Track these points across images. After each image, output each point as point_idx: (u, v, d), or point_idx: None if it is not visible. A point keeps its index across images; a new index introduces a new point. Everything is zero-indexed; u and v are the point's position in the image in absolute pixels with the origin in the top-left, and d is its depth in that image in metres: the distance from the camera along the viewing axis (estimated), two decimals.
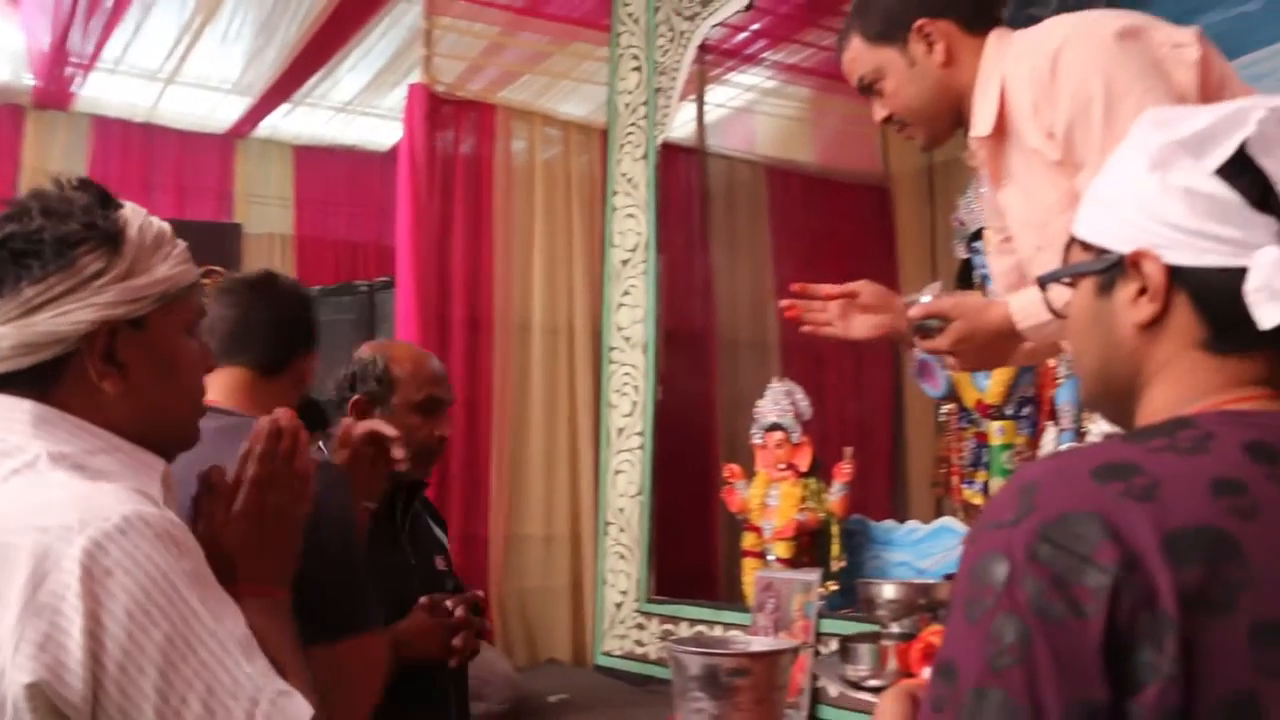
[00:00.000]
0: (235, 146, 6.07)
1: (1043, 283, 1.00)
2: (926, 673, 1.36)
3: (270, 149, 6.18)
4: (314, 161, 6.27)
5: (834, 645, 2.78)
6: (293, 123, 5.98)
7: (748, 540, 3.46)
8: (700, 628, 3.35)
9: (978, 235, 3.30)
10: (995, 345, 1.66)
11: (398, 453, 1.80)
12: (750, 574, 3.33)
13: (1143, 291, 0.88)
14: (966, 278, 3.52)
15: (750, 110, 5.30)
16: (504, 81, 4.53)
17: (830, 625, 2.85)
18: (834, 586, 3.16)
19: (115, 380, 1.05)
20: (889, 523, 3.39)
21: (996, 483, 2.91)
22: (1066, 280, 0.96)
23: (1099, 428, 2.35)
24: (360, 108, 5.81)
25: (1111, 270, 0.90)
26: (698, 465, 4.20)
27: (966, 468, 3.17)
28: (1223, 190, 0.83)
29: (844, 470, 3.32)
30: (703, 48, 3.95)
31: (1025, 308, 1.58)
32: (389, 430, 1.83)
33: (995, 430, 2.93)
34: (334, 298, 4.44)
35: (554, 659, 4.02)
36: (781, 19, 4.75)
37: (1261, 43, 4.00)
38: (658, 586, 3.66)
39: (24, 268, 1.02)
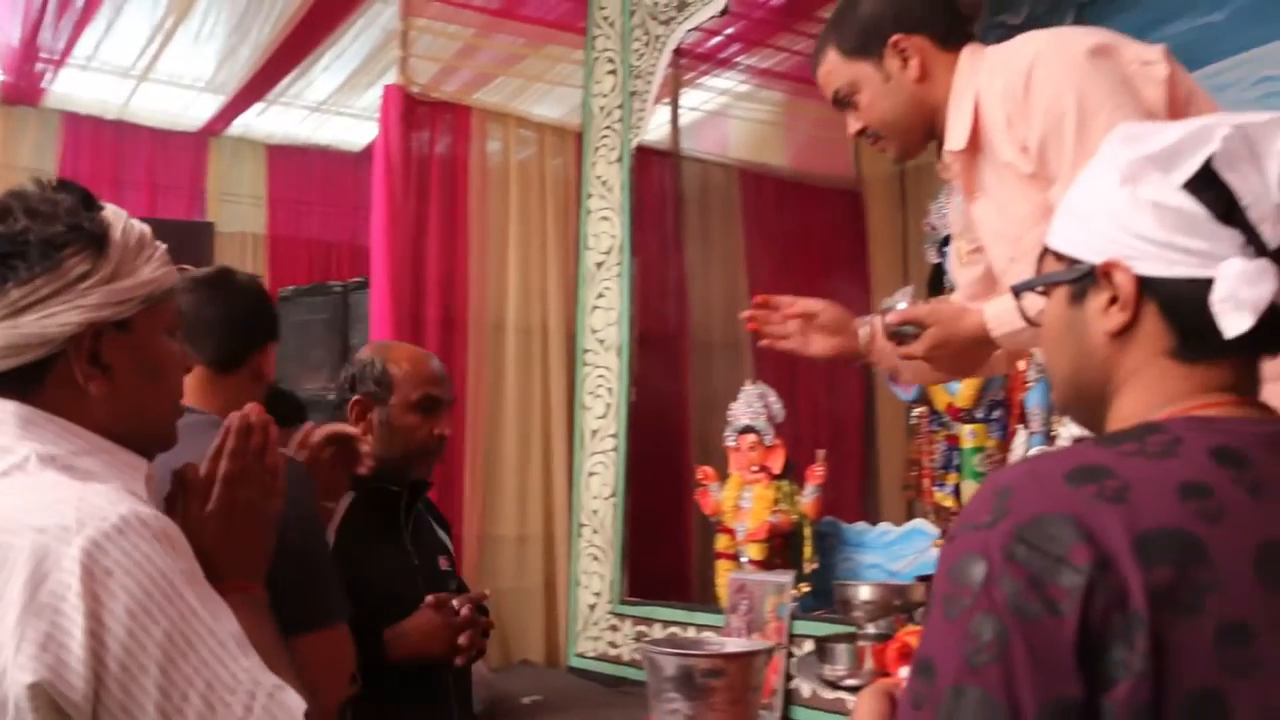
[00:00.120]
0: (208, 145, 6.03)
1: (1017, 291, 1.03)
2: (903, 672, 1.39)
3: (243, 148, 6.13)
4: (287, 161, 6.24)
5: (807, 646, 2.81)
6: (266, 122, 5.94)
7: (721, 542, 3.48)
8: (673, 629, 3.37)
9: (949, 240, 3.34)
10: (969, 352, 1.69)
11: (363, 448, 1.81)
12: (723, 576, 3.36)
13: (1113, 301, 0.91)
14: (938, 282, 3.56)
15: (724, 114, 5.32)
16: (478, 83, 4.53)
17: (803, 627, 2.87)
18: (806, 588, 3.19)
19: (100, 382, 1.06)
20: (861, 525, 3.42)
21: (968, 485, 2.95)
22: (1040, 289, 0.99)
23: (1068, 431, 2.39)
24: (334, 108, 5.79)
25: (1083, 280, 0.93)
26: (671, 467, 4.22)
27: (937, 470, 3.21)
28: (1190, 204, 0.86)
29: (816, 473, 3.35)
30: (677, 51, 3.97)
31: (999, 315, 1.62)
32: (351, 430, 1.84)
33: (967, 433, 2.97)
34: (308, 298, 4.43)
35: (527, 660, 4.03)
36: (755, 23, 4.77)
37: (1226, 53, 4.06)
38: (631, 588, 3.67)
39: (10, 269, 1.02)
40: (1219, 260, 0.85)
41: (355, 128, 6.03)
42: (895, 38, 1.71)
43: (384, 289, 3.87)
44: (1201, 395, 0.89)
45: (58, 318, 1.03)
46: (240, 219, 6.09)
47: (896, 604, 2.05)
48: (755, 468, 3.42)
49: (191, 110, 5.74)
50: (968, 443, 2.97)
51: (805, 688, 2.71)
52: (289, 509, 1.25)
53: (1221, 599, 0.75)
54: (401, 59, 4.15)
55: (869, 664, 1.84)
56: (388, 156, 3.96)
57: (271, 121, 5.95)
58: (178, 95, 5.56)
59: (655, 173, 4.52)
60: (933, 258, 3.65)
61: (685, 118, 4.81)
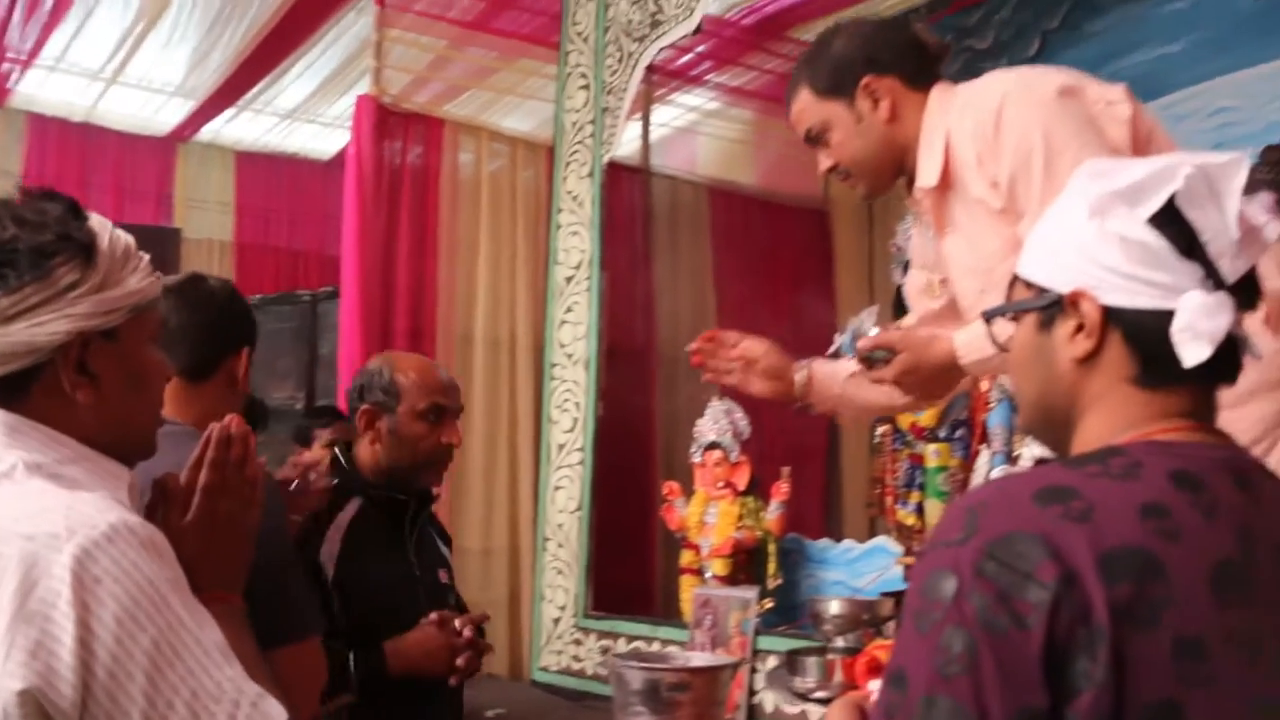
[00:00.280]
0: (176, 150, 6.00)
1: (988, 317, 1.06)
2: (873, 685, 1.42)
3: (212, 153, 6.10)
4: (256, 168, 6.21)
5: (771, 662, 2.84)
6: (236, 128, 5.92)
7: (685, 557, 3.50)
8: (638, 643, 3.38)
9: None
10: (939, 378, 1.74)
11: (312, 476, 1.83)
12: (688, 591, 3.38)
13: (1080, 328, 0.95)
14: (903, 302, 3.61)
15: (694, 131, 5.37)
16: (450, 95, 4.55)
17: (766, 642, 2.90)
18: (770, 604, 3.22)
19: (87, 391, 1.07)
20: (825, 541, 3.45)
21: (931, 503, 3.00)
22: (1010, 315, 1.03)
23: (1030, 451, 2.45)
24: (305, 116, 5.78)
25: (1052, 308, 0.97)
26: (637, 482, 4.24)
27: (900, 488, 3.25)
28: (1154, 238, 0.90)
29: (781, 489, 3.38)
30: (649, 68, 4.01)
31: (969, 343, 1.66)
32: (310, 458, 1.87)
33: (931, 453, 3.02)
34: (276, 306, 4.42)
35: (491, 674, 4.02)
36: (726, 42, 4.83)
37: (1183, 84, 4.16)
38: (595, 602, 3.69)
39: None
40: (1180, 293, 0.89)
41: (325, 136, 6.01)
42: (866, 79, 1.75)
43: (354, 299, 3.87)
44: (1161, 421, 0.93)
45: (47, 326, 1.03)
46: (208, 225, 6.05)
47: (865, 618, 2.09)
48: (721, 484, 3.45)
49: (161, 115, 5.71)
50: (932, 462, 3.02)
51: (769, 702, 2.74)
52: (263, 521, 1.26)
53: (1178, 614, 0.79)
54: (375, 69, 4.16)
55: (838, 677, 1.88)
56: (359, 166, 3.97)
57: (241, 128, 5.93)
58: (147, 99, 5.52)
59: (625, 188, 4.55)
60: (898, 278, 3.70)
61: (655, 134, 4.85)
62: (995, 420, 2.85)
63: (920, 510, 3.10)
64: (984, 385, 2.84)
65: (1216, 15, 4.07)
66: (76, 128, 5.66)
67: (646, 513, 4.14)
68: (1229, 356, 0.91)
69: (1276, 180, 3.01)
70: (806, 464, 4.45)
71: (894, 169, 1.80)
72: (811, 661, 1.97)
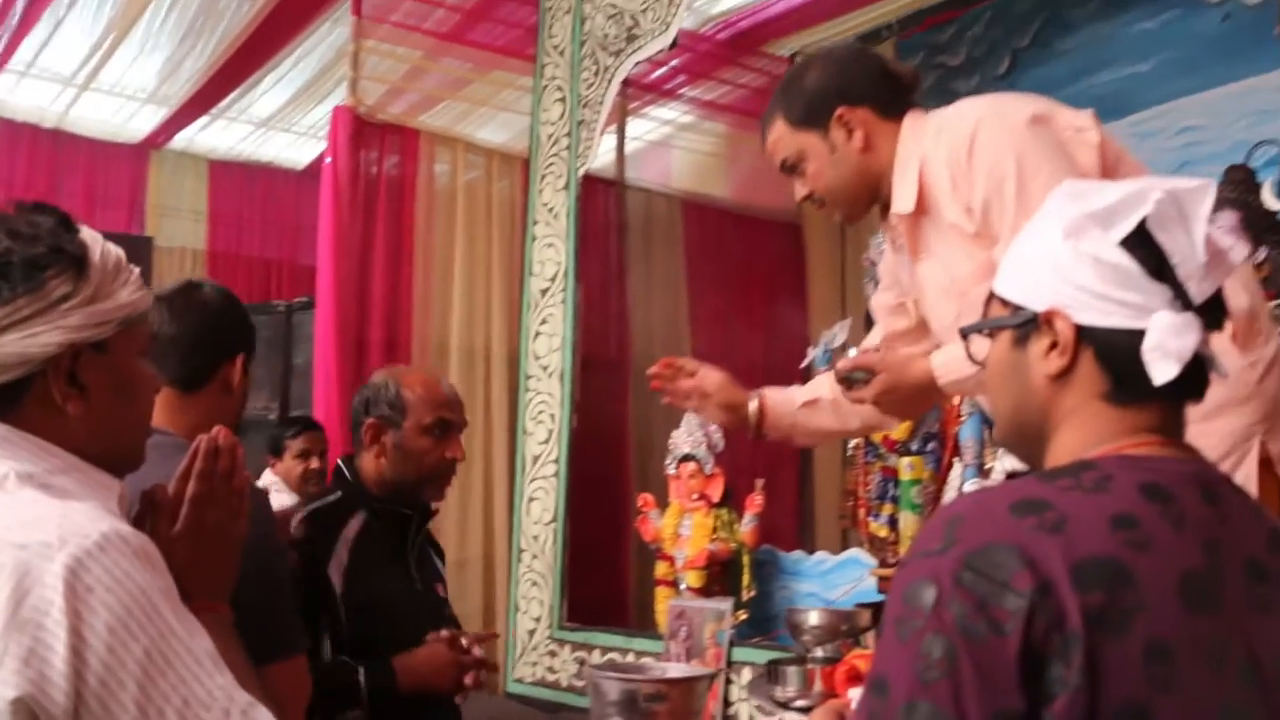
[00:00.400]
0: (149, 157, 5.97)
1: (965, 333, 1.10)
2: (852, 693, 1.45)
3: (185, 161, 6.08)
4: (229, 176, 6.19)
5: (745, 673, 2.87)
6: (209, 136, 5.90)
7: (660, 569, 3.52)
8: (612, 655, 3.39)
9: None
10: (917, 397, 1.79)
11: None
12: (662, 602, 3.40)
13: (1054, 346, 0.98)
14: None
15: (668, 144, 5.40)
16: (424, 105, 4.56)
17: (741, 653, 2.92)
18: (744, 615, 3.24)
19: (77, 402, 1.08)
20: (798, 553, 3.48)
21: (905, 515, 3.03)
22: (987, 332, 1.06)
23: (1002, 464, 2.49)
24: (279, 125, 5.77)
25: (1027, 325, 1.00)
26: (612, 494, 4.26)
27: (873, 501, 3.28)
28: (1125, 260, 0.94)
29: (755, 502, 3.41)
30: (624, 81, 4.03)
31: (946, 365, 1.70)
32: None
33: (905, 466, 3.05)
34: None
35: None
36: (700, 56, 4.87)
37: (1151, 102, 4.24)
38: (570, 614, 3.69)
39: None
40: (1150, 313, 0.93)
41: (299, 145, 6.01)
42: (840, 111, 1.79)
43: (329, 309, 3.87)
44: (1131, 435, 0.96)
45: (39, 338, 1.04)
46: (180, 234, 6.03)
47: (844, 629, 2.13)
48: (695, 496, 3.47)
49: (133, 122, 5.68)
50: (906, 475, 3.05)
51: (744, 713, 2.76)
52: (250, 536, 1.26)
53: (1148, 620, 0.82)
54: (352, 79, 4.16)
55: (818, 686, 1.91)
56: (335, 176, 3.97)
57: (214, 136, 5.91)
58: (120, 106, 5.50)
59: (600, 200, 4.58)
60: (871, 291, 3.74)
61: (630, 146, 4.88)
62: (966, 433, 2.89)
63: (893, 522, 3.13)
64: (955, 399, 2.88)
65: (1184, 36, 4.15)
66: (47, 134, 5.63)
67: (621, 524, 4.16)
68: (1197, 374, 0.95)
69: (1240, 199, 3.08)
70: (780, 476, 4.49)
71: (868, 197, 1.84)
72: (792, 671, 2.00)
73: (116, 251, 1.15)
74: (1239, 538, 0.90)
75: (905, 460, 3.05)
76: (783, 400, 2.07)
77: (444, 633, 1.99)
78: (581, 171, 3.99)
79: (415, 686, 1.93)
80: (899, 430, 3.22)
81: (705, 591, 3.31)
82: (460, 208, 4.34)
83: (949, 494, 2.90)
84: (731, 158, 5.56)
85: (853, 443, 3.53)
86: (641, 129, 5.12)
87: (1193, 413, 0.99)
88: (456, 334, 4.23)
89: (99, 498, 1.06)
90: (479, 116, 4.76)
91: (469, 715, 3.52)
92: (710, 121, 5.33)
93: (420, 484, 2.12)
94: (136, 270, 1.18)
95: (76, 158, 5.72)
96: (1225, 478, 0.97)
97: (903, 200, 1.76)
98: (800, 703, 1.91)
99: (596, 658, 3.45)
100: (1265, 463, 1.61)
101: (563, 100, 4.12)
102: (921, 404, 1.85)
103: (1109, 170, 1.62)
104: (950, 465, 2.96)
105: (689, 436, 3.55)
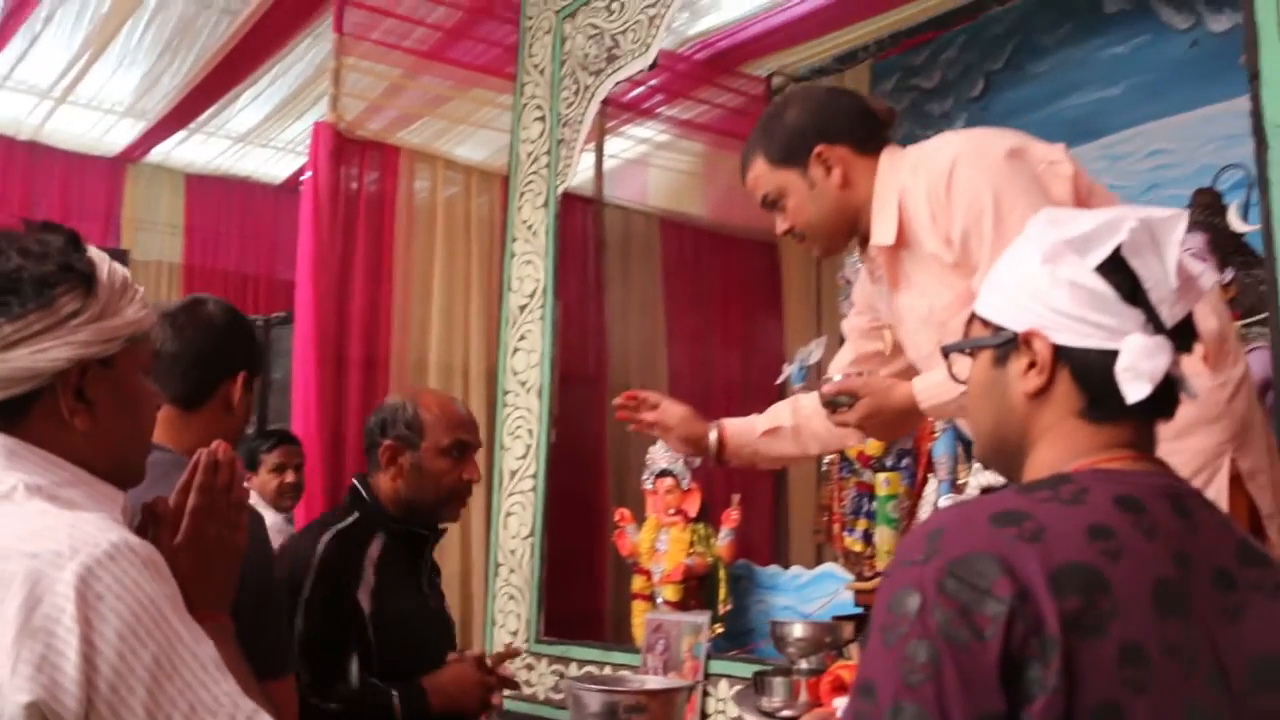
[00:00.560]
0: (126, 171, 5.95)
1: (947, 351, 1.14)
2: (837, 703, 1.49)
3: (162, 175, 6.05)
4: (206, 190, 6.18)
5: (722, 685, 2.90)
6: (187, 150, 5.89)
7: (637, 583, 3.55)
8: (590, 668, 3.41)
9: None
10: (899, 421, 1.84)
11: None
12: (639, 616, 3.42)
13: (1032, 365, 1.03)
14: None
15: (646, 162, 5.45)
16: (403, 122, 4.58)
17: (718, 666, 2.96)
18: (720, 629, 3.27)
19: (84, 417, 1.11)
20: (774, 568, 3.52)
21: (882, 530, 3.07)
22: (968, 351, 1.10)
23: (976, 479, 2.54)
24: (258, 140, 5.77)
25: (1006, 345, 1.05)
26: (589, 509, 4.28)
27: (848, 516, 3.32)
28: (1101, 285, 0.99)
29: (731, 516, 3.44)
30: (603, 100, 4.08)
31: (928, 389, 1.76)
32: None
33: (881, 481, 3.10)
34: None
35: None
36: (678, 76, 4.92)
37: (1121, 125, 4.33)
38: (547, 627, 3.71)
39: (3, 306, 1.07)
40: (1124, 335, 0.98)
41: (277, 160, 6.01)
42: (819, 148, 1.83)
43: (308, 324, 3.88)
44: (1106, 450, 1.01)
45: (49, 353, 1.07)
46: (156, 248, 6.01)
47: (827, 641, 2.18)
48: (672, 510, 3.50)
49: (110, 135, 5.66)
50: (882, 490, 3.10)
51: None
52: (246, 554, 1.28)
53: (1122, 625, 0.87)
54: (333, 96, 4.18)
55: (803, 696, 1.96)
56: (316, 192, 3.98)
57: (192, 150, 5.90)
58: (97, 119, 5.48)
59: (578, 218, 4.62)
60: (847, 310, 3.79)
61: (608, 164, 4.92)
62: (940, 449, 2.94)
63: (867, 537, 3.18)
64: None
65: (1153, 62, 4.24)
66: (23, 146, 5.60)
67: (598, 539, 4.18)
68: (1167, 394, 1.00)
69: (1207, 222, 3.15)
70: (756, 492, 4.52)
71: (847, 231, 1.89)
72: (778, 682, 2.04)
73: (123, 270, 1.18)
74: (1208, 549, 0.95)
75: (881, 476, 3.10)
76: (743, 430, 2.16)
77: (468, 652, 2.01)
78: (561, 189, 4.03)
79: (444, 707, 1.94)
80: (874, 446, 3.27)
81: (682, 605, 3.34)
82: (440, 224, 4.36)
83: (924, 509, 2.94)
84: (708, 176, 5.61)
85: (828, 458, 3.57)
86: (619, 147, 5.16)
87: (1166, 431, 1.04)
88: (435, 349, 4.25)
89: (105, 510, 1.09)
90: (459, 134, 4.79)
91: None
92: (688, 140, 5.38)
93: (438, 505, 2.13)
94: (141, 289, 1.21)
95: (52, 170, 5.69)
96: (1195, 491, 1.02)
97: (882, 233, 1.81)
98: (786, 713, 1.95)
99: (574, 671, 3.47)
100: (1235, 479, 1.66)
101: (542, 119, 4.16)
102: (903, 426, 1.91)
103: (1082, 201, 1.69)
104: (925, 480, 3.01)
105: (666, 452, 3.57)
